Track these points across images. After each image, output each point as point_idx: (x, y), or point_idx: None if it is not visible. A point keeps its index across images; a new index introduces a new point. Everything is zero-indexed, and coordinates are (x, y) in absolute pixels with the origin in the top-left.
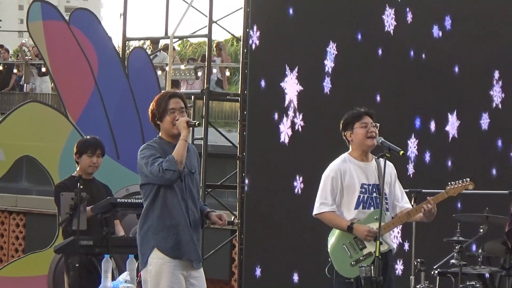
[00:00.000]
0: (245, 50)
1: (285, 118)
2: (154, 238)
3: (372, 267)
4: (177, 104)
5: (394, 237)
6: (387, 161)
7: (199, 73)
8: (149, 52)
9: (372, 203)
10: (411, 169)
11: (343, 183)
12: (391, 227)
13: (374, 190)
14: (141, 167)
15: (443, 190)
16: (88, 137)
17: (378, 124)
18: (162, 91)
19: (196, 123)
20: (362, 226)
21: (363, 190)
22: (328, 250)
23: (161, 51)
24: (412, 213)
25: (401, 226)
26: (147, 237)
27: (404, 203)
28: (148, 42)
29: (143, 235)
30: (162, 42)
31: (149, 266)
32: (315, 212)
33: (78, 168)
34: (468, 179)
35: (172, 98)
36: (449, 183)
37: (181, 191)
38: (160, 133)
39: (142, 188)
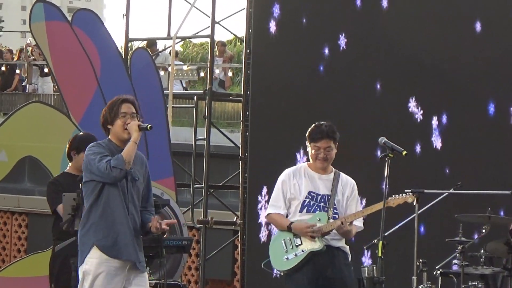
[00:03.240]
0: (248, 51)
1: (287, 118)
2: (95, 236)
3: (374, 267)
4: (129, 109)
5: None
6: (348, 178)
7: (201, 74)
8: None
9: (318, 210)
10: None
11: (291, 187)
12: (329, 228)
13: (323, 200)
14: (87, 164)
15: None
16: (81, 133)
17: (331, 147)
18: (115, 97)
19: (148, 127)
20: (301, 223)
21: (310, 197)
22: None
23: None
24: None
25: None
26: (88, 235)
27: (359, 222)
28: None
29: (84, 233)
30: (164, 43)
31: (85, 265)
32: (266, 213)
33: (70, 164)
34: (410, 192)
35: (124, 103)
36: (393, 195)
37: (123, 194)
38: (109, 137)
39: (85, 185)
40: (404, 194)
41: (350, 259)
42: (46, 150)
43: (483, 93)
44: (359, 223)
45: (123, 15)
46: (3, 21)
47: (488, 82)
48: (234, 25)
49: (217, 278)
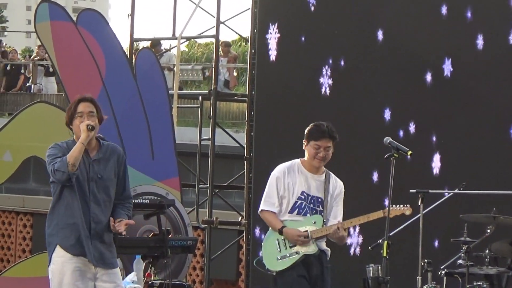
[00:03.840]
0: (253, 51)
1: (292, 119)
2: (58, 236)
3: (379, 267)
4: (86, 108)
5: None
6: (337, 180)
7: (207, 74)
8: None
9: (308, 211)
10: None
11: (285, 185)
12: (320, 234)
13: (313, 201)
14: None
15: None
16: None
17: (330, 147)
18: (76, 96)
19: (89, 127)
20: (292, 230)
21: (302, 197)
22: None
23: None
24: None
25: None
26: (52, 235)
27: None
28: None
29: (49, 233)
30: (169, 43)
31: (52, 264)
32: (259, 209)
33: None
34: (408, 205)
35: (81, 102)
36: (393, 205)
37: (82, 194)
38: (74, 137)
39: (51, 186)
40: (403, 206)
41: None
42: None
43: (487, 92)
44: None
45: (128, 15)
46: (7, 21)
47: (493, 82)
48: (239, 25)
49: (222, 278)
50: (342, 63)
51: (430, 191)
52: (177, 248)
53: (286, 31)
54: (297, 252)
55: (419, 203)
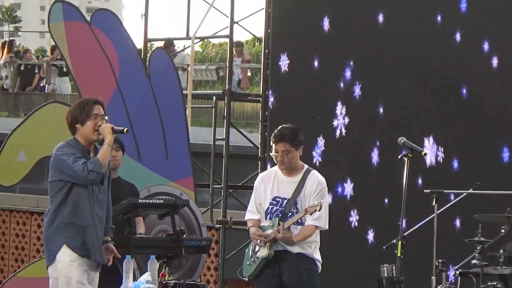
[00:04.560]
0: (267, 51)
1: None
2: (64, 236)
3: (393, 267)
4: (100, 111)
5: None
6: (316, 176)
7: (221, 74)
8: None
9: (279, 216)
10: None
11: (260, 194)
12: (272, 236)
13: (283, 204)
14: (58, 163)
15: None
16: None
17: (289, 150)
18: (85, 97)
19: (125, 130)
20: (252, 230)
21: (274, 202)
22: None
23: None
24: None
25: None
26: (56, 234)
27: (310, 221)
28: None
29: (52, 231)
30: (183, 43)
31: (58, 263)
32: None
33: None
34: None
35: (96, 104)
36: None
37: (89, 194)
38: (75, 136)
39: (51, 184)
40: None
41: (317, 262)
42: None
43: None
44: (304, 230)
45: (142, 15)
46: (21, 21)
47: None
48: (253, 25)
49: (236, 278)
50: (358, 61)
51: (444, 191)
52: (191, 248)
53: (301, 30)
54: (257, 257)
55: (434, 203)
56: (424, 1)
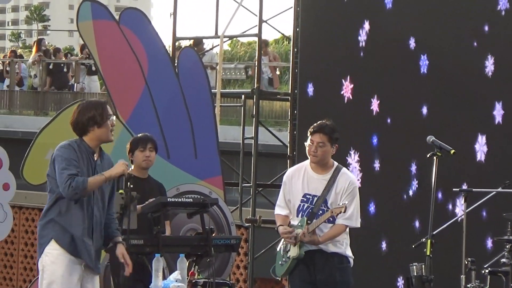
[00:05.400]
0: (295, 50)
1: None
2: (54, 231)
3: (423, 266)
4: (111, 111)
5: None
6: (347, 175)
7: (249, 72)
8: None
9: (309, 213)
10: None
11: (290, 189)
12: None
13: (313, 201)
14: (55, 161)
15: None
16: (139, 134)
17: (324, 143)
18: (92, 99)
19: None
20: (282, 228)
21: (305, 199)
22: None
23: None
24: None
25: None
26: (47, 228)
27: (341, 220)
28: None
29: (43, 225)
30: (211, 42)
31: (45, 256)
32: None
33: (132, 167)
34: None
35: (107, 105)
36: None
37: (89, 197)
38: (83, 137)
39: (48, 178)
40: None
41: (349, 259)
42: None
43: None
44: (333, 230)
45: (171, 14)
46: (49, 19)
47: None
48: (282, 23)
49: (265, 277)
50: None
51: (474, 189)
52: (220, 247)
53: (330, 29)
54: (289, 257)
55: (463, 202)
56: (464, 17)
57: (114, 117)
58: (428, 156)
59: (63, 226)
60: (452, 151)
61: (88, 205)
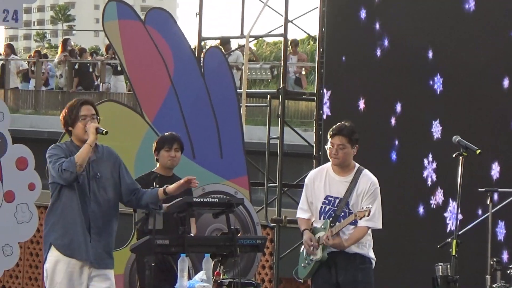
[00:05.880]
0: (321, 49)
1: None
2: (52, 236)
3: (448, 266)
4: (89, 111)
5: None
6: (368, 176)
7: (275, 72)
8: None
9: (332, 215)
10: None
11: (312, 191)
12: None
13: (336, 203)
14: (48, 166)
15: None
16: (166, 133)
17: (344, 145)
18: (74, 99)
19: (104, 132)
20: (305, 234)
21: (326, 201)
22: None
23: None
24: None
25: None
26: (48, 235)
27: (363, 222)
28: None
29: (46, 233)
30: (237, 41)
31: (47, 263)
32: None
33: (158, 165)
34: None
35: (84, 105)
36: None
37: (82, 193)
38: (71, 138)
39: (50, 186)
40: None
41: (372, 260)
42: (119, 149)
43: None
44: (357, 232)
45: (196, 14)
46: (75, 19)
47: None
48: (307, 23)
49: (290, 277)
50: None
51: (499, 189)
52: (246, 247)
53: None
54: (311, 260)
55: (488, 202)
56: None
57: (98, 117)
58: (454, 156)
59: (61, 229)
60: (478, 151)
61: (83, 203)
